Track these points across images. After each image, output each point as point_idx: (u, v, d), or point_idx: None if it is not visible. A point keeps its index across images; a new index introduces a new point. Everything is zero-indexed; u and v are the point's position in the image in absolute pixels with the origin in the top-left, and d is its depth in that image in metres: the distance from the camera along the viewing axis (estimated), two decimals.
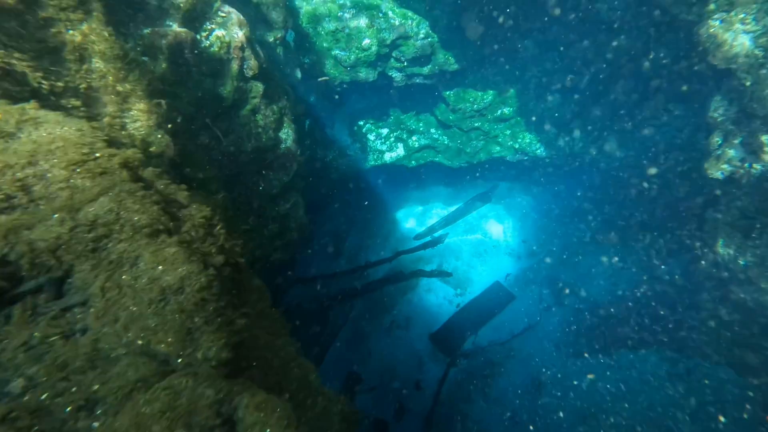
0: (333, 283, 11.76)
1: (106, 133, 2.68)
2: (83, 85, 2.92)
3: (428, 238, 12.92)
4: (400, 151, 10.57)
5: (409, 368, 12.45)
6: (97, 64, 2.95)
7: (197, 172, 4.00)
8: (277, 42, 6.83)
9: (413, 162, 10.79)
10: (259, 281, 3.12)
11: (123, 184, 2.20)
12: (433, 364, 12.66)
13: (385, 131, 10.58)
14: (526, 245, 13.52)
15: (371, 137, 10.51)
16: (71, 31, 2.85)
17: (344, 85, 9.00)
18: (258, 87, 5.51)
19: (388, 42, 8.56)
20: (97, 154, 2.26)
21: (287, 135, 6.13)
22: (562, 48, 9.63)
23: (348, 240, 12.60)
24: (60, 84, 2.84)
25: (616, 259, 12.50)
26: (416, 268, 12.62)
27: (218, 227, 2.56)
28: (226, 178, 5.08)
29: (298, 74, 7.90)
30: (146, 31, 3.95)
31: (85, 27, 2.87)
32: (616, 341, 12.34)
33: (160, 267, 1.97)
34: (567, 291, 13.47)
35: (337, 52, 8.46)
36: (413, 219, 13.96)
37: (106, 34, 3.00)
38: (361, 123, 10.43)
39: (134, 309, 1.86)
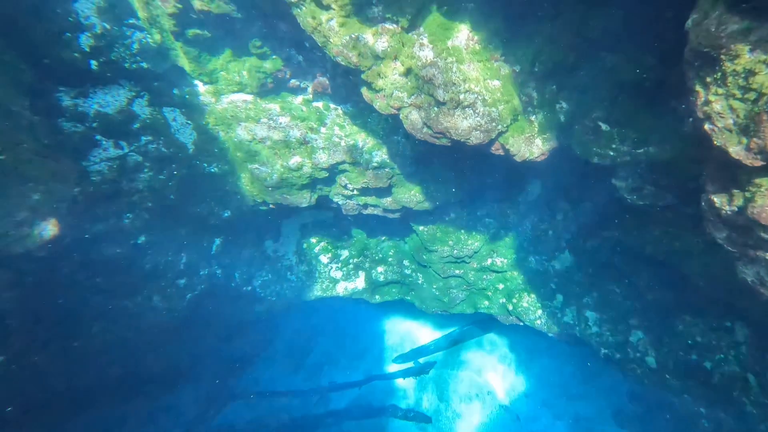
0: (290, 402, 10.03)
1: None
2: None
3: (412, 364, 10.52)
4: (360, 282, 8.37)
5: None
6: None
7: None
8: None
9: (377, 297, 8.43)
10: None
11: None
12: None
13: (344, 253, 8.46)
14: (530, 401, 10.23)
15: (324, 260, 8.39)
16: None
17: (269, 206, 7.08)
18: None
19: (325, 165, 6.45)
20: None
21: None
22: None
23: (313, 350, 10.70)
24: None
25: None
26: (389, 401, 10.29)
27: None
28: None
29: None
30: None
31: None
32: None
33: None
34: None
35: (256, 166, 6.58)
36: (398, 336, 11.29)
37: None
38: (314, 240, 8.36)
39: None
